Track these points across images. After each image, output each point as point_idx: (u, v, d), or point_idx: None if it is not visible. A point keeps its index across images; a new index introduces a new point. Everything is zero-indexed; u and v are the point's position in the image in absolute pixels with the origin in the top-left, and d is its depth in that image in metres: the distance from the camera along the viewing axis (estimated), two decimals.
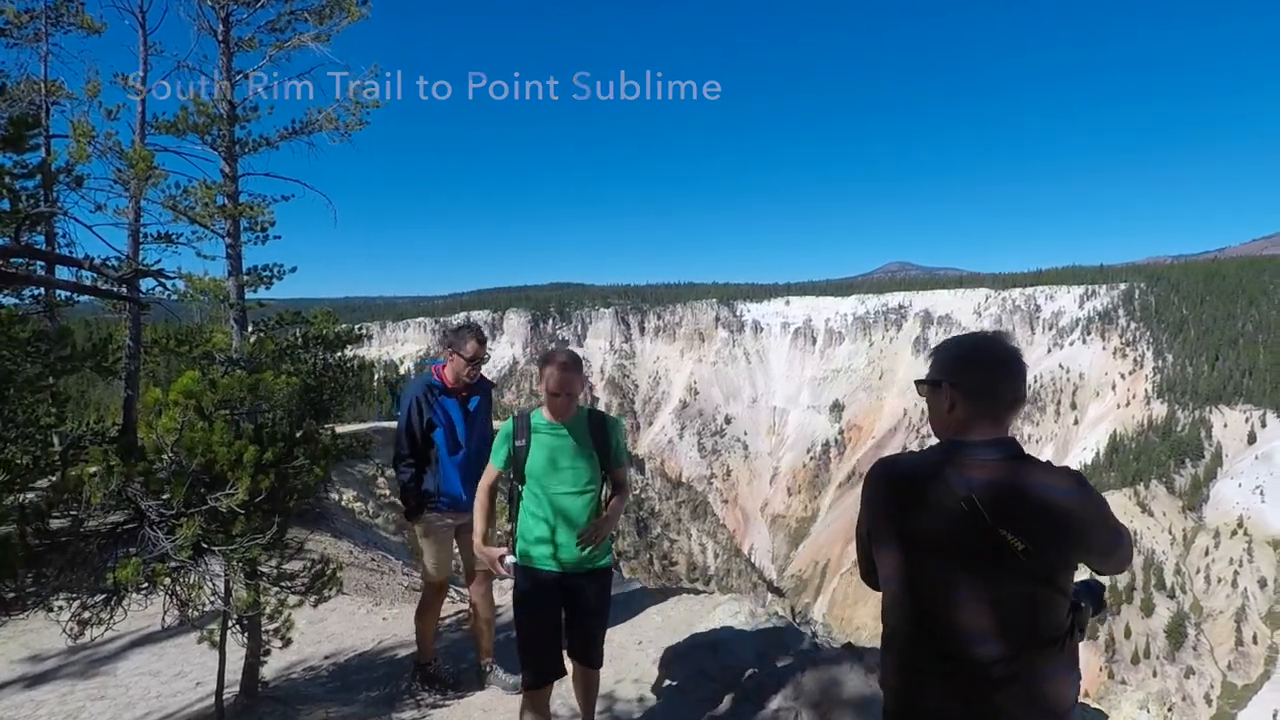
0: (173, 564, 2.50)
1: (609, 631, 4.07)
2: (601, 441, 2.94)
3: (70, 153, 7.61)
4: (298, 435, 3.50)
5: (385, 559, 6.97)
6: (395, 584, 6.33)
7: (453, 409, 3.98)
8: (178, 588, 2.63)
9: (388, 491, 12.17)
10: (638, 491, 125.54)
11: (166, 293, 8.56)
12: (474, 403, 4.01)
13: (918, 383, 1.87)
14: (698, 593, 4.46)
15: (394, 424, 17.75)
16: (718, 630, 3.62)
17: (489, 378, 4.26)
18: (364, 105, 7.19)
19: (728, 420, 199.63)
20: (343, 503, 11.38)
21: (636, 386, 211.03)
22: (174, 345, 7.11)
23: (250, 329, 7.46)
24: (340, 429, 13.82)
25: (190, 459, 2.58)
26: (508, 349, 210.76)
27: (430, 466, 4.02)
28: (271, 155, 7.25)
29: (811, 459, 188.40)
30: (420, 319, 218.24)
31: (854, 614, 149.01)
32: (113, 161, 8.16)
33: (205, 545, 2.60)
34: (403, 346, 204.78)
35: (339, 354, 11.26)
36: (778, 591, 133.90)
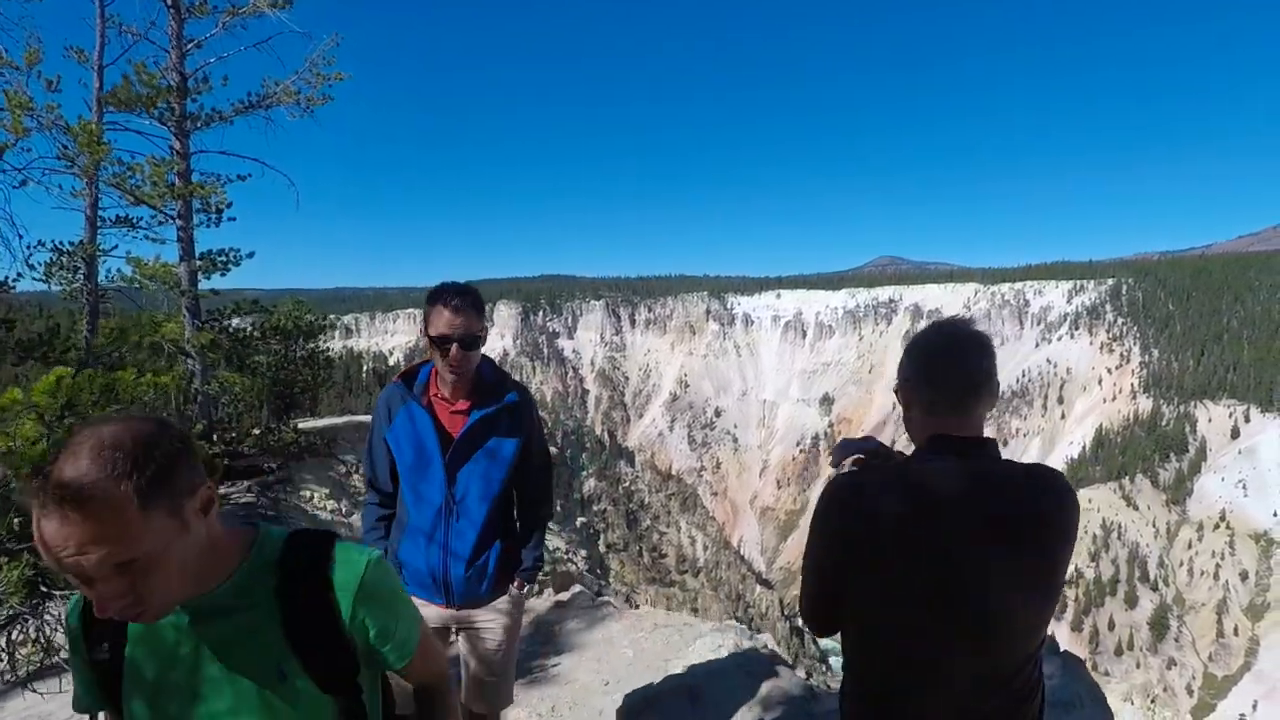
0: (4, 612, 1.98)
1: (570, 670, 3.55)
2: (311, 632, 1.13)
3: (4, 126, 7.05)
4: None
5: None
6: None
7: (425, 428, 2.28)
8: (12, 638, 2.10)
9: (363, 489, 11.57)
10: (627, 484, 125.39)
11: (120, 278, 8.05)
12: (473, 419, 2.29)
13: (897, 391, 1.60)
14: (681, 620, 3.97)
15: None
16: (698, 669, 3.16)
17: (516, 379, 2.52)
18: (326, 78, 6.62)
19: (718, 413, 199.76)
20: (315, 502, 10.87)
21: (627, 379, 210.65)
22: (115, 337, 6.54)
23: (205, 318, 6.94)
24: (312, 424, 13.28)
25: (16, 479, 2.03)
26: (498, 341, 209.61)
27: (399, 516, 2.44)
28: (227, 132, 6.72)
29: (801, 452, 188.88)
30: (410, 310, 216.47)
31: None
32: (58, 137, 7.59)
33: (45, 588, 2.08)
34: (392, 338, 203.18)
35: (311, 344, 10.75)
36: (766, 584, 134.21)
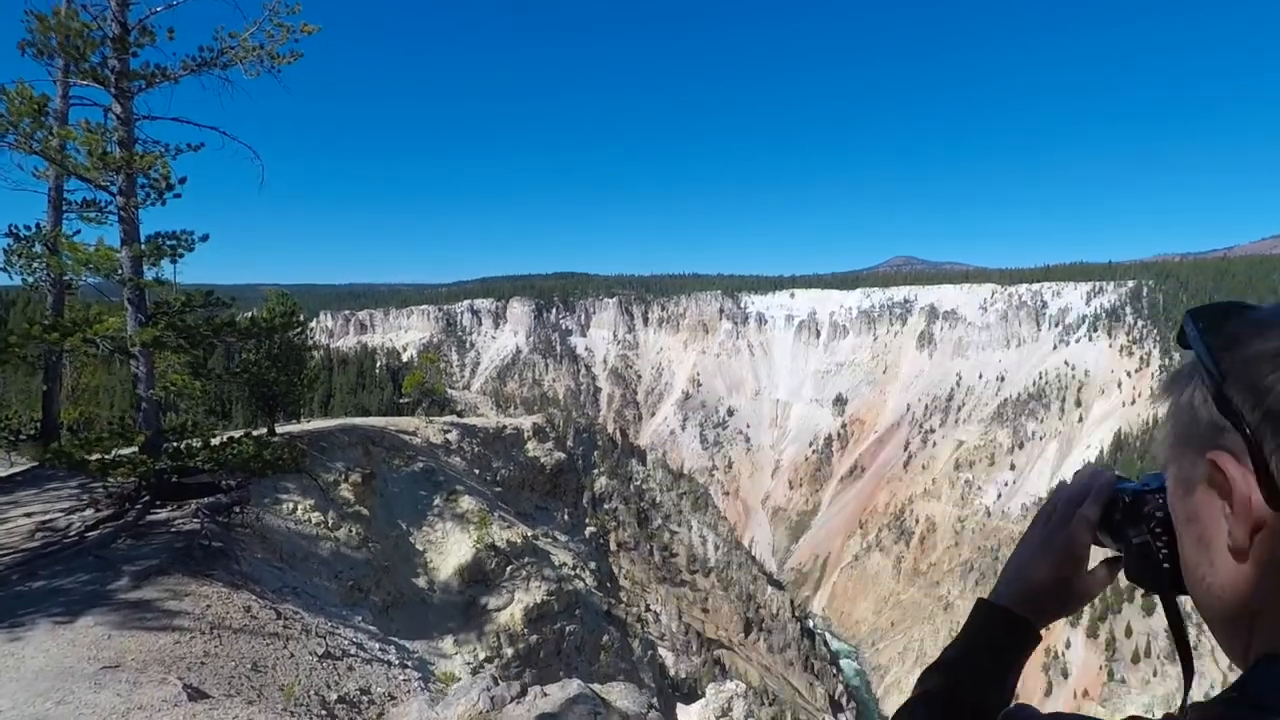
0: None
1: None
2: None
3: None
4: None
5: (296, 616, 5.36)
6: (301, 654, 4.77)
7: None
8: None
9: (352, 498, 10.67)
10: (638, 483, 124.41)
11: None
12: None
13: (1169, 444, 0.75)
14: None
15: (372, 420, 16.37)
16: None
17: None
18: (290, 30, 5.53)
19: (730, 412, 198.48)
20: (297, 514, 9.97)
21: (639, 377, 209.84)
22: (42, 332, 5.57)
23: (152, 312, 5.94)
24: (300, 428, 12.38)
25: None
26: (511, 338, 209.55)
27: None
28: (180, 95, 5.75)
29: (814, 452, 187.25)
30: (424, 306, 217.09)
31: (853, 609, 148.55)
32: None
33: None
34: (406, 334, 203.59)
35: (296, 338, 9.79)
36: (777, 585, 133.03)
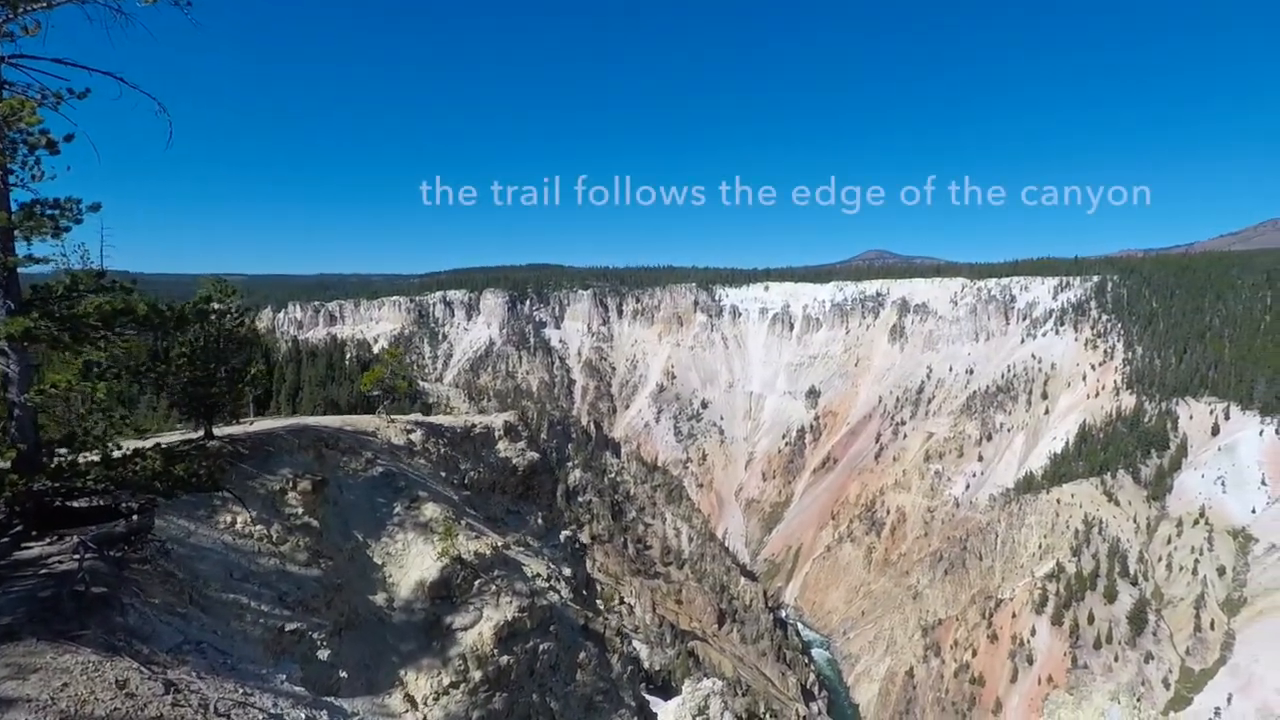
0: None
1: None
2: None
3: None
4: None
5: (194, 687, 4.16)
6: None
7: None
8: None
9: (300, 510, 9.54)
10: (612, 475, 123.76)
11: None
12: None
13: None
14: None
15: (326, 421, 15.19)
16: None
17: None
18: None
19: (704, 405, 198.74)
20: (237, 527, 8.85)
21: (614, 369, 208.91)
22: None
23: (30, 298, 4.81)
24: (243, 430, 11.17)
25: None
26: (484, 330, 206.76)
27: None
28: (65, 31, 4.65)
29: (787, 445, 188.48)
30: (395, 297, 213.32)
31: (825, 599, 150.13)
32: None
33: None
34: (377, 325, 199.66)
35: (238, 331, 8.64)
36: (750, 576, 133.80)
